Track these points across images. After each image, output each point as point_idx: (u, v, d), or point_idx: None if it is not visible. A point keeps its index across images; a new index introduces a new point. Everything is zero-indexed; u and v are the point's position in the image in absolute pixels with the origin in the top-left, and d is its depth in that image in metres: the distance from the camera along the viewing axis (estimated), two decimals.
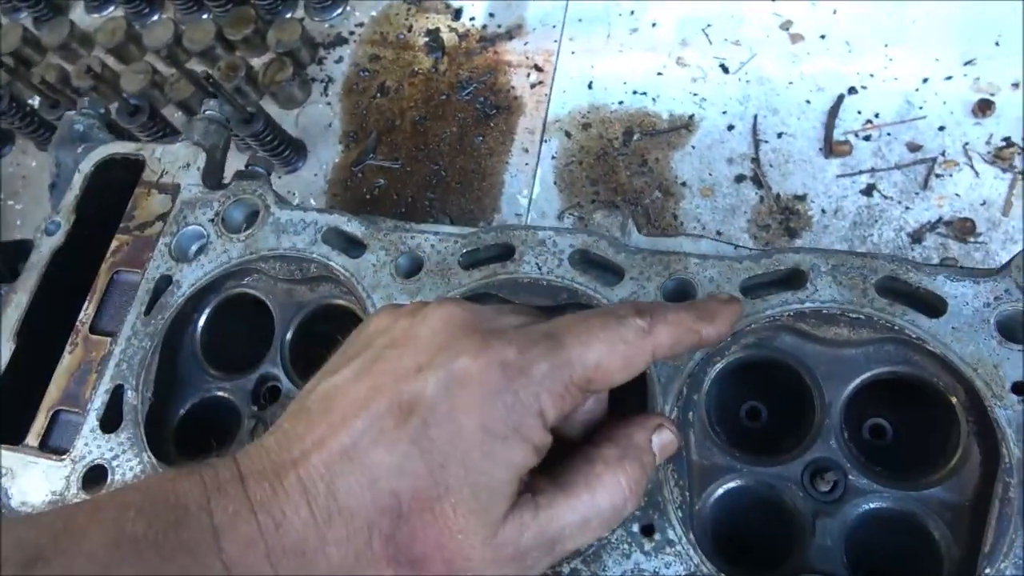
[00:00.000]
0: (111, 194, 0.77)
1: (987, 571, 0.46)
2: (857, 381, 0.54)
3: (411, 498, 0.41)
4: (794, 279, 0.56)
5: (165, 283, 0.69)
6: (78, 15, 1.41)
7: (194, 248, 0.71)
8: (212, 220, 0.70)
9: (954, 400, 0.52)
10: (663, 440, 0.48)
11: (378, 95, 1.20)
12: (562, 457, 0.46)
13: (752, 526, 0.54)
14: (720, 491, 0.54)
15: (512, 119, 1.13)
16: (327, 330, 0.68)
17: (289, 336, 0.67)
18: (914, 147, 0.98)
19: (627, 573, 0.50)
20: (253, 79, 1.20)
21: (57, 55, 1.35)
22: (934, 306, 0.53)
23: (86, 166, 0.77)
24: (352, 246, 0.67)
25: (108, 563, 0.40)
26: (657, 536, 0.51)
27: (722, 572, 0.49)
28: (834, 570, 0.49)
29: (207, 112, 0.78)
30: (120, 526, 0.41)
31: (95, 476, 0.63)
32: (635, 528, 0.51)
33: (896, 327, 0.53)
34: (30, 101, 1.28)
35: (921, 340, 0.52)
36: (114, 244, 0.73)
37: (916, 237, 0.94)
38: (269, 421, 0.64)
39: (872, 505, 0.52)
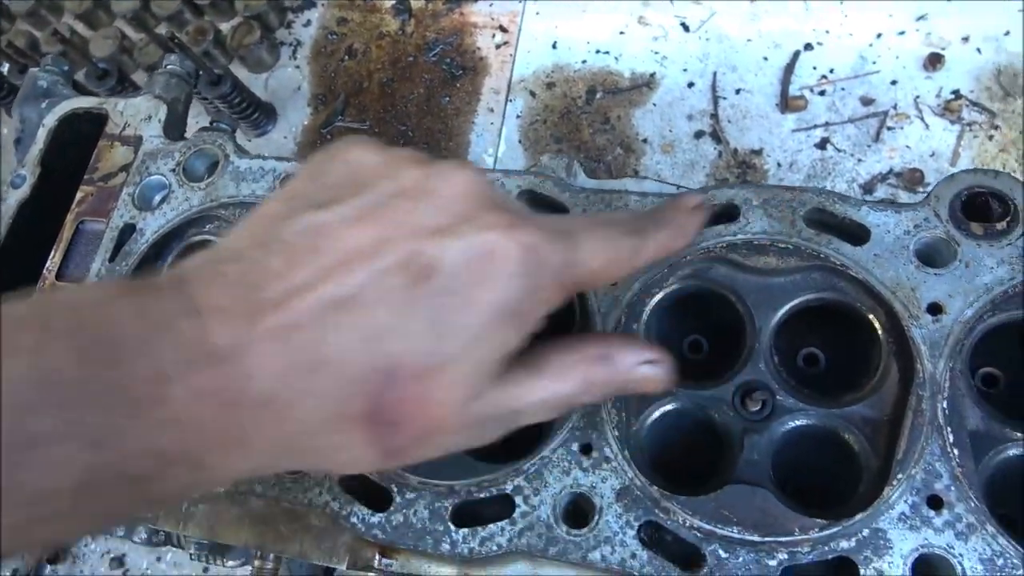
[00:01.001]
0: (75, 148, 0.79)
1: (899, 476, 0.49)
2: (786, 308, 0.57)
3: (407, 362, 0.39)
4: (728, 213, 0.59)
5: (129, 231, 0.71)
6: None
7: (157, 198, 0.72)
8: (174, 170, 0.72)
9: (875, 322, 0.55)
10: (647, 374, 0.47)
11: (346, 58, 1.22)
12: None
13: (685, 445, 0.57)
14: (656, 413, 0.57)
15: (478, 80, 1.15)
16: None
17: None
18: (867, 101, 1.00)
19: (566, 487, 0.53)
20: (222, 43, 1.21)
21: (26, 22, 1.35)
22: (858, 235, 0.56)
23: (50, 120, 0.78)
24: None
25: (25, 406, 0.34)
26: (595, 454, 0.54)
27: (655, 485, 0.52)
28: (760, 482, 0.52)
29: (168, 66, 0.80)
30: (43, 357, 0.35)
31: None
32: (574, 447, 0.54)
33: (822, 255, 0.55)
34: None
35: (845, 267, 0.55)
36: (79, 195, 0.75)
37: (868, 188, 0.97)
38: None
39: (798, 422, 0.55)
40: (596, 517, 0.52)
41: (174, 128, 0.77)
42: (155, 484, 0.38)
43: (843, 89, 1.02)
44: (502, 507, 0.54)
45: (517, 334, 0.42)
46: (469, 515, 0.54)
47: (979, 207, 0.55)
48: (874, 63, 1.02)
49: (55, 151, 0.78)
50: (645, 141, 1.05)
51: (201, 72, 1.06)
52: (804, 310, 0.58)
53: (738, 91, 1.05)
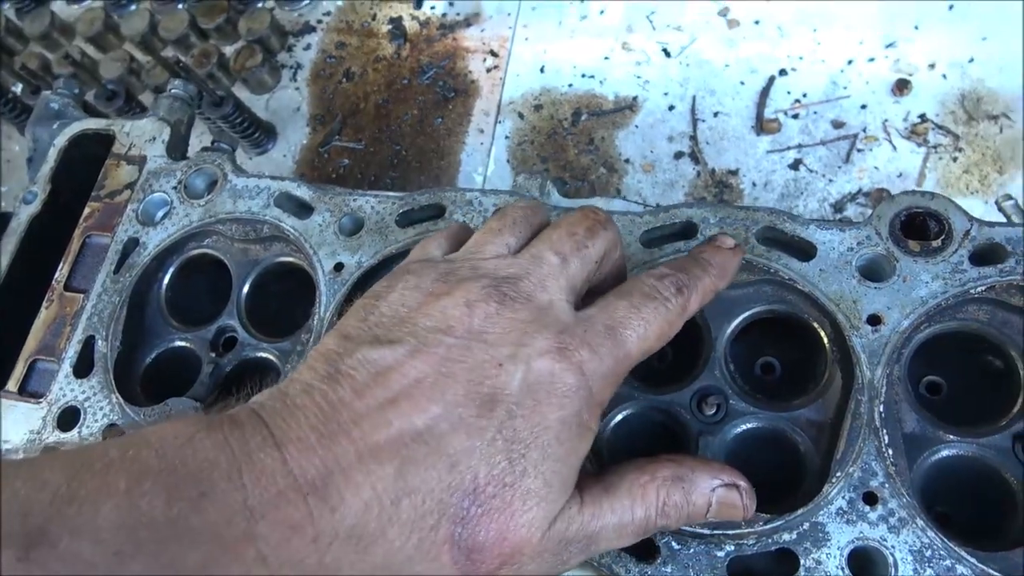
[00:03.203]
0: (83, 166, 0.84)
1: (838, 474, 0.53)
2: (739, 319, 0.61)
3: (488, 482, 0.41)
4: (687, 231, 0.63)
5: (132, 244, 0.75)
6: (58, 6, 1.47)
7: (159, 214, 0.77)
8: (175, 188, 0.77)
9: (820, 332, 0.59)
10: (726, 499, 0.48)
11: (344, 80, 1.27)
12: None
13: (645, 446, 0.61)
14: (619, 416, 0.61)
15: (469, 101, 1.20)
16: (279, 285, 0.75)
17: (245, 291, 0.73)
18: (838, 124, 1.05)
19: None
20: (225, 66, 1.27)
21: (39, 44, 1.41)
22: (806, 251, 0.60)
23: (60, 141, 0.84)
24: (301, 209, 0.73)
25: (121, 550, 0.34)
26: None
27: None
28: None
29: (172, 90, 0.85)
30: (135, 502, 0.36)
31: (68, 417, 0.69)
32: None
33: (772, 270, 0.60)
34: (12, 88, 1.34)
35: (793, 280, 0.59)
36: (86, 211, 0.80)
37: (838, 207, 1.01)
38: (226, 366, 0.71)
39: (749, 425, 0.59)
40: None
41: (176, 148, 0.81)
42: None
43: (815, 113, 1.06)
44: None
45: (584, 441, 0.45)
46: None
47: (917, 226, 0.59)
48: (845, 88, 1.07)
49: (65, 169, 0.83)
50: (627, 161, 1.10)
51: (204, 93, 1.11)
52: (757, 321, 0.62)
53: (716, 114, 1.10)
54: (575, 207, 0.67)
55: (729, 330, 0.61)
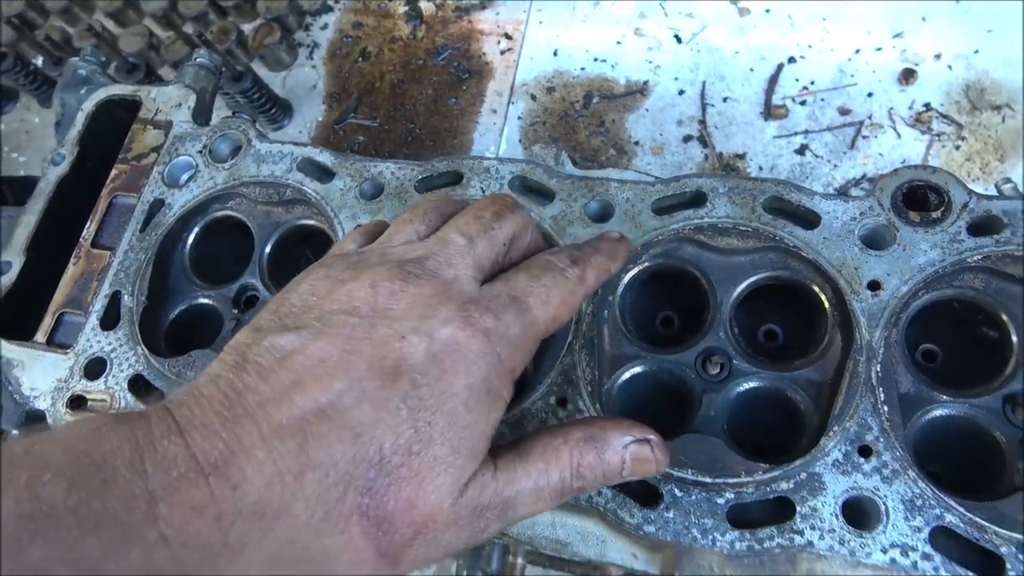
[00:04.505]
0: (110, 131, 0.86)
1: (835, 428, 0.56)
2: (744, 283, 0.64)
3: (393, 451, 0.41)
4: (696, 200, 0.66)
5: (158, 205, 0.78)
6: None
7: (184, 177, 0.80)
8: (200, 152, 0.80)
9: (822, 297, 0.62)
10: (639, 454, 0.49)
11: (360, 59, 1.29)
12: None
13: (652, 402, 0.63)
14: (627, 375, 0.64)
15: (483, 83, 1.22)
16: (300, 247, 0.78)
17: (267, 251, 0.76)
18: (844, 111, 1.07)
19: None
20: (243, 43, 1.29)
21: (60, 18, 1.43)
22: (810, 220, 0.63)
23: (88, 105, 0.86)
24: (323, 174, 0.76)
25: (19, 538, 0.36)
26: (569, 406, 0.61)
27: None
28: (715, 434, 0.59)
29: (197, 59, 0.87)
30: (34, 491, 0.37)
31: (95, 367, 0.72)
32: (552, 400, 0.61)
33: (777, 237, 0.62)
34: (34, 60, 1.37)
35: (797, 248, 0.62)
36: (113, 172, 0.82)
37: (842, 192, 1.03)
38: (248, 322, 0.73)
39: (751, 384, 0.61)
40: None
41: (201, 115, 0.84)
42: None
43: (823, 100, 1.09)
44: None
45: (498, 406, 0.46)
46: None
47: (918, 199, 0.62)
48: (852, 76, 1.09)
49: (92, 133, 0.86)
50: (637, 143, 1.12)
51: (224, 68, 1.13)
52: (762, 288, 0.65)
53: (725, 99, 1.12)
54: (587, 176, 0.70)
55: (734, 294, 0.64)
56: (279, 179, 0.76)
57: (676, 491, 0.57)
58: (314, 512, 0.40)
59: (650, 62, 1.17)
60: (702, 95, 1.13)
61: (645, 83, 1.16)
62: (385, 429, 0.42)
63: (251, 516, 0.39)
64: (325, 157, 0.76)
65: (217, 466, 0.39)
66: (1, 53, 1.30)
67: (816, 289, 0.62)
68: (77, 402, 0.71)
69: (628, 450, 0.49)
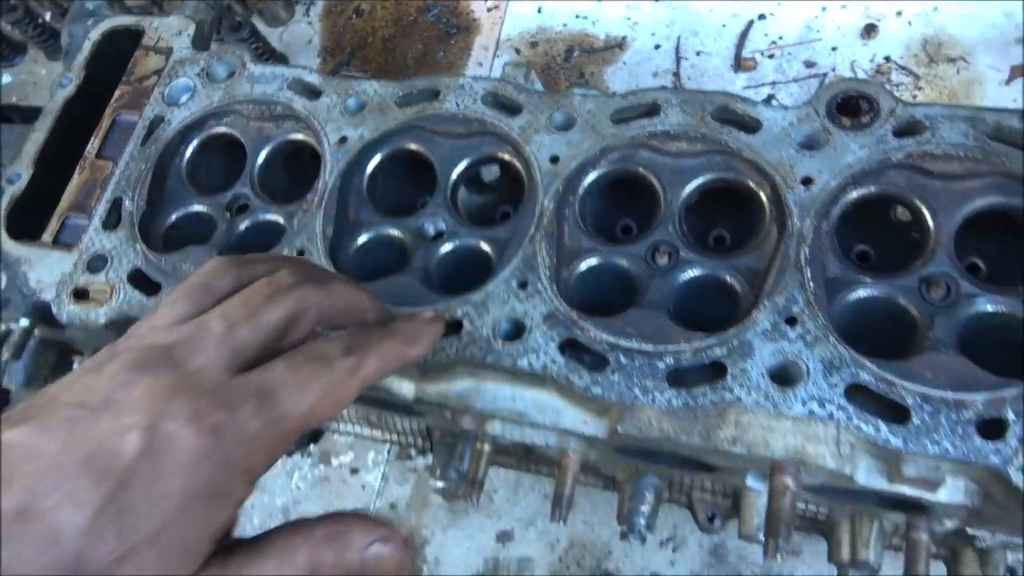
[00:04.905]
0: (114, 61, 0.93)
1: (765, 302, 0.62)
2: (693, 184, 0.70)
3: (95, 557, 0.39)
4: (651, 110, 0.72)
5: (158, 121, 0.84)
6: None
7: (183, 97, 0.86)
8: (199, 74, 0.86)
9: (761, 194, 0.68)
10: (379, 554, 0.47)
11: (353, 16, 1.36)
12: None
13: (604, 290, 0.69)
14: (583, 266, 0.69)
15: (470, 38, 1.28)
16: (288, 162, 0.84)
17: (258, 163, 0.82)
18: (810, 64, 1.14)
19: (505, 313, 0.66)
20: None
21: None
22: (752, 127, 0.69)
23: (94, 34, 0.92)
24: (311, 93, 0.82)
25: None
26: (529, 288, 0.67)
27: (574, 310, 0.65)
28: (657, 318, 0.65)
29: None
30: None
31: (97, 263, 0.78)
32: (513, 283, 0.67)
33: (722, 141, 0.68)
34: (42, 14, 1.43)
35: (740, 150, 0.68)
36: (117, 93, 0.88)
37: None
38: (239, 224, 0.79)
39: (694, 272, 0.67)
40: (526, 334, 0.65)
41: (200, 43, 0.90)
42: None
43: (790, 54, 1.15)
44: (450, 330, 0.67)
45: (222, 509, 0.43)
46: None
47: (851, 107, 0.68)
48: (818, 32, 1.15)
49: (97, 61, 0.92)
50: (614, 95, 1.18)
51: (223, 19, 1.20)
52: (710, 195, 0.71)
53: (698, 53, 1.18)
54: (552, 93, 0.76)
55: (683, 194, 0.69)
56: (271, 97, 0.82)
57: (621, 358, 0.62)
58: None
59: (628, 19, 1.24)
60: (676, 49, 1.19)
61: (623, 38, 1.22)
62: (84, 534, 0.39)
63: None
64: (313, 77, 0.82)
65: None
66: (10, 6, 1.36)
67: (755, 188, 0.68)
68: (81, 294, 0.77)
69: (369, 550, 0.47)
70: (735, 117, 0.70)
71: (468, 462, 0.85)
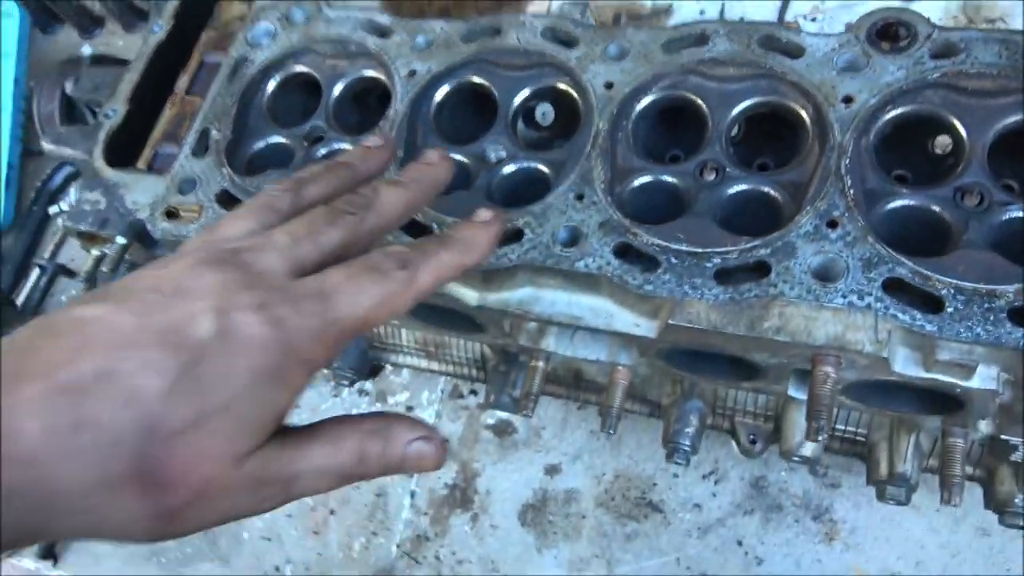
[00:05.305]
0: (197, 14, 1.01)
1: (807, 208, 0.66)
2: (739, 106, 0.74)
3: (171, 419, 0.43)
4: (700, 40, 0.77)
5: (242, 61, 0.91)
6: None
7: (265, 40, 0.93)
8: (279, 19, 0.93)
9: (804, 115, 0.72)
10: (421, 450, 0.52)
11: None
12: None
13: (656, 205, 0.74)
14: (636, 182, 0.74)
15: (522, 5, 1.34)
16: (359, 97, 0.90)
17: (333, 96, 0.88)
18: (822, 34, 1.17)
19: (563, 222, 0.71)
20: None
21: None
22: (796, 53, 0.73)
23: None
24: (382, 33, 0.89)
25: None
26: (585, 200, 0.72)
27: (627, 218, 0.70)
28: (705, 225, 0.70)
29: None
30: None
31: (187, 185, 0.85)
32: (571, 196, 0.72)
33: (767, 65, 0.73)
34: None
35: (784, 73, 0.72)
36: (203, 37, 0.96)
37: None
38: (316, 151, 0.86)
39: (740, 187, 0.72)
40: (583, 240, 0.70)
41: None
42: None
43: (831, 17, 1.19)
44: (513, 237, 0.72)
45: (283, 395, 0.47)
46: None
47: (890, 34, 0.72)
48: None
49: (184, 10, 1.00)
50: (665, 27, 1.23)
51: None
52: (753, 116, 0.75)
53: (741, 18, 1.23)
54: (608, 30, 0.81)
55: (730, 115, 0.74)
56: (345, 36, 0.89)
57: (672, 259, 0.67)
58: (87, 469, 0.42)
59: None
60: (721, 13, 1.24)
61: (669, 5, 1.27)
62: (161, 397, 0.43)
63: (22, 464, 0.41)
64: (384, 18, 0.89)
65: None
66: None
67: (798, 108, 0.72)
68: (172, 213, 0.84)
69: (411, 446, 0.51)
70: (779, 45, 0.75)
71: (521, 385, 0.91)
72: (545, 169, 0.78)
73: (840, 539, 0.91)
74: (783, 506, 0.94)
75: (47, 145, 0.92)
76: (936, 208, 0.66)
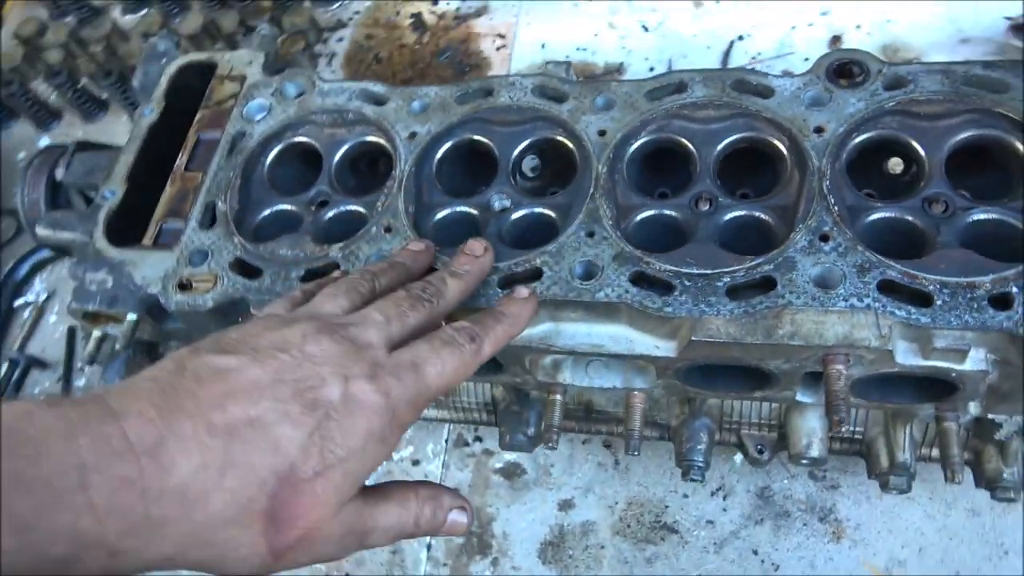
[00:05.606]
0: (186, 95, 1.04)
1: (800, 226, 0.73)
2: (722, 143, 0.82)
3: (302, 468, 0.50)
4: (679, 87, 0.85)
5: (240, 136, 0.95)
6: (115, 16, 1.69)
7: (260, 115, 0.97)
8: (272, 94, 0.97)
9: (781, 146, 0.80)
10: (457, 520, 0.61)
11: (374, 63, 1.50)
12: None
13: (657, 237, 0.80)
14: (638, 217, 0.81)
15: (483, 73, 1.43)
16: (355, 163, 0.95)
17: (335, 162, 0.92)
18: (787, 74, 1.29)
19: (578, 258, 0.77)
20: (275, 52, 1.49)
21: (99, 46, 1.62)
22: (766, 94, 0.82)
23: (171, 68, 1.04)
24: (378, 101, 0.94)
25: None
26: (596, 236, 0.78)
27: (638, 250, 0.76)
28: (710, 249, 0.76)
29: (261, 31, 1.06)
30: None
31: (199, 257, 0.87)
32: (582, 233, 0.78)
33: (743, 105, 0.82)
34: (81, 79, 1.54)
35: (760, 111, 0.81)
36: (198, 116, 0.99)
37: None
38: (325, 215, 0.89)
39: (733, 214, 0.79)
40: (600, 272, 0.75)
41: (268, 71, 1.02)
42: (72, 568, 0.43)
43: (768, 66, 1.31)
44: (533, 276, 0.77)
45: (384, 452, 0.56)
46: (508, 282, 0.77)
47: (845, 71, 0.82)
48: (791, 47, 1.32)
49: (172, 92, 1.03)
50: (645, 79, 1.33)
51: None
52: (735, 157, 0.83)
53: None
54: (591, 82, 0.89)
55: (715, 151, 0.82)
56: (342, 106, 0.93)
57: (685, 282, 0.73)
58: (228, 505, 0.47)
59: (623, 48, 1.39)
60: (668, 68, 1.35)
61: (620, 64, 1.38)
62: (299, 448, 0.50)
63: (174, 497, 0.45)
64: (378, 87, 0.94)
65: (149, 448, 0.45)
66: (54, 70, 1.48)
67: (776, 140, 0.81)
68: (185, 285, 0.85)
69: (451, 513, 0.61)
70: (751, 87, 0.83)
71: (534, 424, 0.94)
72: (550, 213, 0.83)
73: (847, 536, 0.96)
74: (790, 512, 0.99)
75: (42, 231, 0.92)
76: (909, 217, 0.74)
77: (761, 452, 0.91)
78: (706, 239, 0.77)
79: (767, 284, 0.72)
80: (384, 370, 0.56)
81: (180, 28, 1.54)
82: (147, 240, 0.91)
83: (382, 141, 0.92)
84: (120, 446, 0.44)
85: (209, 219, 0.90)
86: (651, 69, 1.36)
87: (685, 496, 1.03)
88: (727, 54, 1.34)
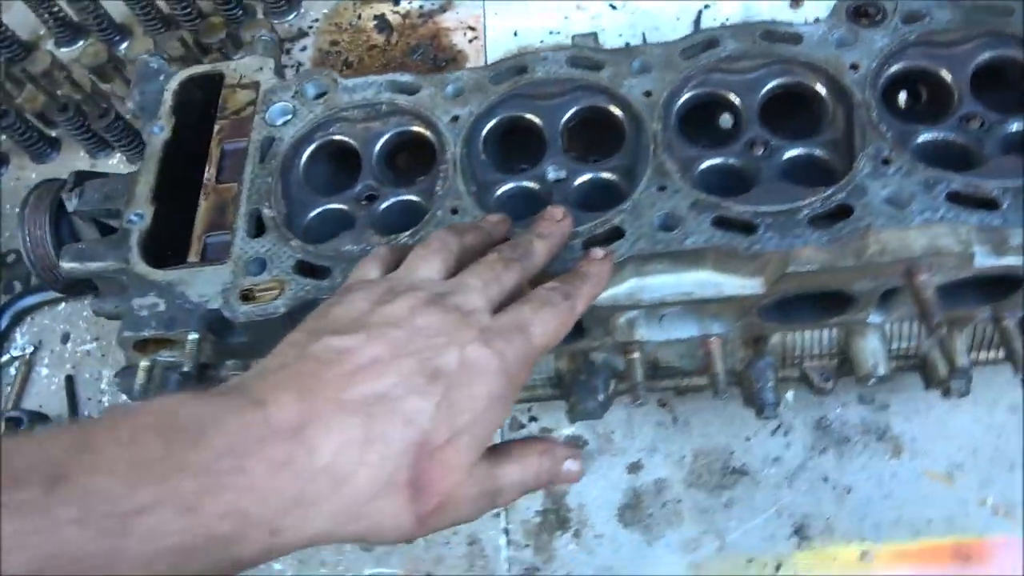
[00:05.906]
0: (191, 110, 1.00)
1: (860, 154, 0.78)
2: (763, 90, 0.86)
3: (434, 437, 0.52)
4: (711, 44, 0.88)
5: (268, 141, 0.92)
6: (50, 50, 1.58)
7: (283, 119, 0.94)
8: (293, 96, 0.95)
9: (819, 86, 0.85)
10: (571, 468, 0.64)
11: (344, 68, 1.47)
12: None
13: (722, 185, 0.83)
14: (699, 168, 0.84)
15: (459, 65, 1.43)
16: (402, 149, 0.94)
17: (375, 155, 0.91)
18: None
19: (656, 212, 0.78)
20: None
21: (40, 82, 1.52)
22: (796, 40, 0.87)
23: (172, 84, 0.99)
24: (410, 90, 0.93)
25: (130, 481, 0.42)
26: (668, 189, 0.79)
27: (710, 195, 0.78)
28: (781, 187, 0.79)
29: (262, 37, 1.03)
30: (137, 448, 0.44)
31: (256, 266, 0.83)
32: (653, 189, 0.80)
33: (778, 53, 0.86)
34: (31, 118, 1.44)
35: (794, 56, 0.85)
36: (217, 127, 0.95)
37: None
38: (378, 207, 0.87)
39: (789, 154, 0.83)
40: (681, 222, 0.77)
41: (279, 75, 0.99)
42: (237, 546, 0.46)
43: None
44: (614, 236, 0.78)
45: (506, 411, 0.59)
46: (589, 244, 0.78)
47: (864, 12, 0.87)
48: (756, 10, 1.39)
49: (179, 107, 0.99)
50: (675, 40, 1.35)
51: None
52: (773, 97, 0.87)
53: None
54: (620, 48, 0.91)
55: (757, 98, 0.86)
56: (373, 100, 0.92)
57: (767, 220, 0.76)
58: (373, 479, 0.50)
59: (596, 26, 1.43)
60: (643, 42, 1.39)
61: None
62: (428, 419, 0.52)
63: (323, 476, 0.48)
64: (407, 78, 0.93)
65: (294, 432, 0.48)
66: (1, 111, 1.38)
67: (815, 81, 0.85)
68: (248, 296, 0.82)
69: (567, 463, 0.64)
70: (780, 36, 0.88)
71: (603, 392, 0.95)
72: (611, 176, 0.85)
73: (906, 450, 1.02)
74: (849, 437, 1.04)
75: (68, 264, 0.86)
76: (952, 136, 0.80)
77: (827, 380, 0.95)
78: (772, 179, 0.80)
79: (844, 211, 0.76)
80: (493, 333, 0.58)
81: (126, 56, 1.47)
82: (193, 256, 0.87)
83: (423, 129, 0.91)
84: (267, 432, 0.47)
85: (256, 227, 0.86)
86: (627, 44, 1.39)
87: (747, 439, 1.06)
88: (697, 23, 1.39)
